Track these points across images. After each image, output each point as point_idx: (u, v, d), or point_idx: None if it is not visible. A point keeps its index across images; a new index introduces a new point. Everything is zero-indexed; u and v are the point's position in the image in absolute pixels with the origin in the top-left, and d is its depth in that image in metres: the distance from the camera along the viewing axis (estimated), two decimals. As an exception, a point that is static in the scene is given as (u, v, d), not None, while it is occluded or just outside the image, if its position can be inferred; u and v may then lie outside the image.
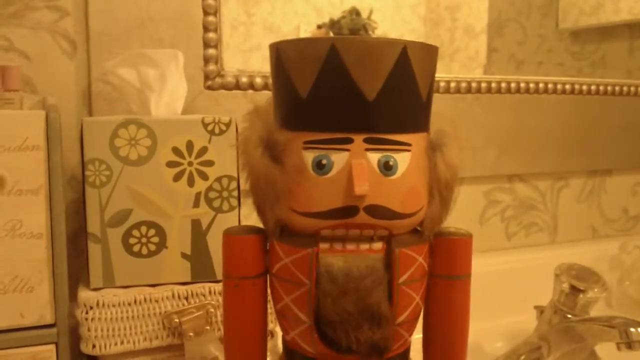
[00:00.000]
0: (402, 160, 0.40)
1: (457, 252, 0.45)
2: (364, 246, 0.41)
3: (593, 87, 1.02)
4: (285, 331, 0.43)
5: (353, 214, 0.39)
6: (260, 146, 0.41)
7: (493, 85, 0.93)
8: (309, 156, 0.39)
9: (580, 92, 1.01)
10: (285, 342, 0.45)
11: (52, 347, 0.54)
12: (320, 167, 0.39)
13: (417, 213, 0.42)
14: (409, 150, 0.40)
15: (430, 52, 0.41)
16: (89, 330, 0.56)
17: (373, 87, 0.38)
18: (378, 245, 0.41)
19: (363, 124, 0.39)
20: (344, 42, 0.38)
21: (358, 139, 0.39)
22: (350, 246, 0.41)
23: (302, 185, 0.40)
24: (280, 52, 0.41)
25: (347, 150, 0.39)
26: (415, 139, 0.41)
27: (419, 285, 0.43)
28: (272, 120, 0.42)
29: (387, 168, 0.39)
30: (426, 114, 0.43)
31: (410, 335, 0.44)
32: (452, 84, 0.90)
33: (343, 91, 0.38)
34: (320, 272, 0.40)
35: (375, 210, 0.39)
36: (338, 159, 0.39)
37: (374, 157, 0.39)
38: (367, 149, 0.39)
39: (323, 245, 0.41)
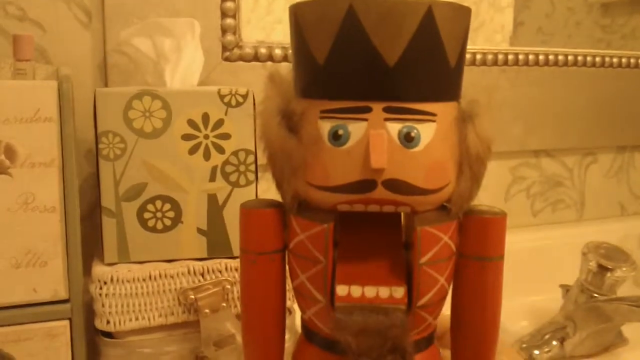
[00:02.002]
0: (426, 131, 0.37)
1: (489, 232, 0.41)
2: (384, 292, 0.38)
3: (624, 60, 0.99)
4: (302, 310, 0.42)
5: (371, 189, 0.37)
6: (277, 116, 0.39)
7: (520, 57, 0.91)
8: (326, 126, 0.37)
9: (611, 64, 0.98)
10: (303, 322, 0.43)
11: (66, 322, 0.54)
12: (336, 137, 0.37)
13: (443, 189, 0.39)
14: (433, 121, 0.38)
15: (460, 14, 0.38)
16: (103, 306, 0.55)
17: (394, 52, 0.36)
18: (400, 293, 0.39)
19: (382, 91, 0.36)
20: (362, 3, 0.35)
21: (377, 107, 0.36)
22: (370, 293, 0.38)
23: (318, 157, 0.37)
24: (298, 15, 0.38)
25: (365, 120, 0.37)
26: (442, 109, 0.38)
27: (445, 266, 0.40)
28: (290, 88, 0.40)
29: (408, 140, 0.37)
30: (455, 81, 0.40)
31: (435, 318, 0.41)
32: (478, 56, 0.87)
33: (361, 56, 0.36)
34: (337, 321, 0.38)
35: (395, 185, 0.37)
36: (355, 129, 0.36)
37: (395, 128, 0.37)
38: (387, 119, 0.37)
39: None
